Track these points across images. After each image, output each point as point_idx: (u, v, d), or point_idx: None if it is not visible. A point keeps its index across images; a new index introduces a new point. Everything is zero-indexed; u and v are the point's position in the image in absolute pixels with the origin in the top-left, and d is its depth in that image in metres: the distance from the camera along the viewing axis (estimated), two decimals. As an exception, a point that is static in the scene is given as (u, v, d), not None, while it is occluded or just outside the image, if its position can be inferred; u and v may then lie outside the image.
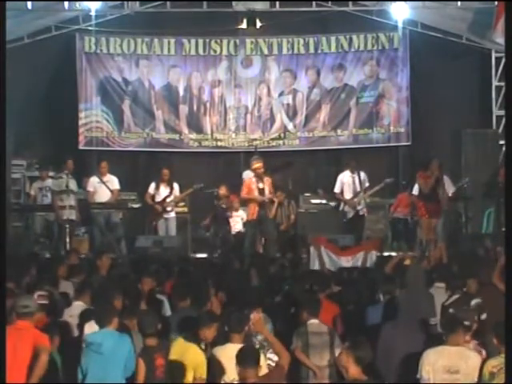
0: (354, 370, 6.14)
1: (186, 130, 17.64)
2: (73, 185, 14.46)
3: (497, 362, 6.48)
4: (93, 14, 16.11)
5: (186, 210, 15.84)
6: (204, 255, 14.55)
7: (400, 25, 16.71)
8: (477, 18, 15.74)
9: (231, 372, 6.72)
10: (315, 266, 12.56)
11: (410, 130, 17.49)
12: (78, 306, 8.50)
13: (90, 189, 15.04)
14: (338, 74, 17.62)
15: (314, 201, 15.89)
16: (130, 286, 9.03)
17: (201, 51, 17.59)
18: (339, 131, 17.62)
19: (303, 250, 13.56)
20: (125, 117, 17.61)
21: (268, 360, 7.02)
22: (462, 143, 15.93)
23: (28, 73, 16.39)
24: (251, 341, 7.24)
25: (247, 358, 6.31)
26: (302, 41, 17.54)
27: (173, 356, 7.08)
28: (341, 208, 14.93)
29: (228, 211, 15.16)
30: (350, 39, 17.51)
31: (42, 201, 15.00)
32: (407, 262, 11.62)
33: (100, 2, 15.98)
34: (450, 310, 7.85)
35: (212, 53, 17.61)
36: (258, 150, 16.87)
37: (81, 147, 17.38)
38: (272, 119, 17.69)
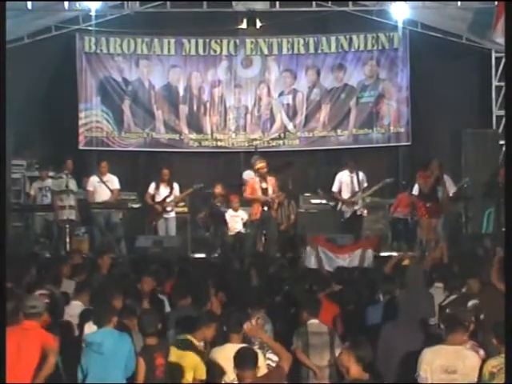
0: (354, 370, 6.14)
1: (186, 130, 17.64)
2: (73, 185, 14.46)
3: (497, 362, 6.48)
4: (93, 13, 16.11)
5: (185, 209, 15.84)
6: (204, 255, 14.54)
7: (400, 25, 16.71)
8: (477, 17, 15.74)
9: (231, 372, 6.72)
10: (311, 264, 12.60)
11: (409, 130, 17.50)
12: (76, 305, 8.51)
13: (90, 188, 15.05)
14: (337, 74, 17.62)
15: (313, 201, 15.90)
16: (130, 286, 9.03)
17: (201, 51, 17.59)
18: (339, 131, 17.63)
19: (303, 249, 13.57)
20: (125, 117, 17.61)
21: (268, 360, 7.01)
22: (462, 143, 15.92)
23: (28, 73, 16.40)
24: (251, 341, 7.24)
25: (245, 360, 6.30)
26: (301, 41, 17.55)
27: (172, 358, 7.08)
28: (338, 207, 14.94)
29: (224, 210, 15.14)
30: (350, 39, 17.51)
31: (42, 201, 15.00)
32: (407, 261, 11.62)
33: (100, 2, 15.98)
34: (448, 310, 7.86)
35: (212, 53, 17.61)
36: (258, 149, 16.88)
37: (81, 147, 17.38)
38: (272, 119, 17.69)
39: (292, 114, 17.68)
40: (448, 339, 6.71)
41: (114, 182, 15.12)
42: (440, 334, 6.98)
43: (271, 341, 7.01)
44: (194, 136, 17.65)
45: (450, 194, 14.32)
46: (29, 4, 15.03)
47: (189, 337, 7.28)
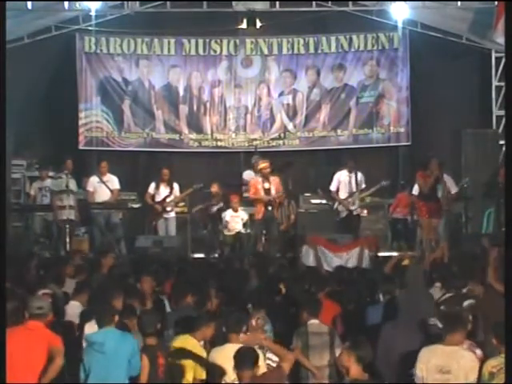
0: (354, 370, 6.14)
1: (186, 130, 17.64)
2: (72, 185, 14.46)
3: (496, 362, 6.47)
4: (93, 13, 16.11)
5: (185, 209, 15.84)
6: (203, 255, 14.55)
7: (400, 25, 16.72)
8: (477, 17, 15.73)
9: (231, 372, 6.72)
10: (308, 263, 12.63)
11: (409, 130, 17.50)
12: (74, 305, 8.50)
13: (90, 189, 15.05)
14: (337, 74, 17.62)
15: (313, 201, 15.91)
16: (130, 286, 9.03)
17: (201, 51, 17.59)
18: (339, 131, 17.63)
19: (302, 249, 13.58)
20: (125, 117, 17.61)
21: (268, 360, 7.01)
22: (462, 143, 15.92)
23: (28, 73, 16.40)
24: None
25: (245, 359, 6.30)
26: (301, 41, 17.55)
27: (172, 358, 7.08)
28: (335, 207, 14.99)
29: (219, 208, 15.14)
30: (350, 39, 17.51)
31: (42, 201, 15.00)
32: (407, 261, 11.63)
33: (100, 2, 15.98)
34: (442, 307, 7.86)
35: (212, 53, 17.62)
36: (258, 149, 16.89)
37: (81, 147, 17.38)
38: (272, 119, 17.69)
39: (292, 113, 17.68)
40: (446, 339, 6.71)
41: (113, 182, 15.12)
42: (439, 334, 6.98)
43: (271, 343, 7.01)
44: (193, 136, 17.65)
45: (452, 193, 14.34)
46: (29, 4, 15.03)
47: (189, 336, 7.28)
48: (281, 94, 17.71)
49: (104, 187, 14.99)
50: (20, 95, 15.59)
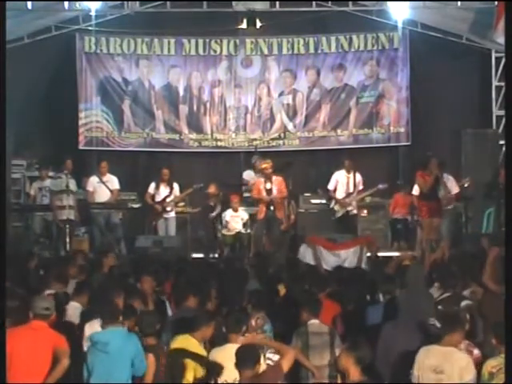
0: (354, 371, 6.14)
1: (186, 130, 17.64)
2: (72, 185, 14.46)
3: (496, 363, 6.48)
4: (93, 13, 16.12)
5: (185, 209, 15.84)
6: (203, 255, 14.55)
7: (400, 25, 16.72)
8: (477, 18, 15.73)
9: (231, 372, 6.72)
10: (305, 261, 12.62)
11: (409, 130, 17.49)
12: (74, 305, 8.50)
13: (90, 189, 15.06)
14: (338, 74, 17.62)
15: (313, 201, 15.92)
16: (130, 286, 9.03)
17: (201, 51, 17.59)
18: (339, 131, 17.63)
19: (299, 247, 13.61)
20: (125, 117, 17.61)
21: (268, 360, 7.01)
22: (462, 143, 15.91)
23: (28, 73, 16.41)
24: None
25: (246, 358, 6.29)
26: (301, 41, 17.54)
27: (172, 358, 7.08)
28: (331, 206, 15.02)
29: (218, 209, 15.14)
30: (350, 39, 17.51)
31: (42, 201, 15.00)
32: (408, 262, 11.62)
33: (100, 2, 15.98)
34: (439, 307, 7.86)
35: (212, 53, 17.62)
36: (258, 149, 16.89)
37: (81, 147, 17.39)
38: (272, 119, 17.69)
39: (292, 113, 17.68)
40: (444, 339, 6.72)
41: (113, 182, 15.12)
42: (439, 334, 6.98)
43: (271, 342, 7.00)
44: (194, 136, 17.65)
45: (453, 193, 14.36)
46: (29, 4, 15.03)
47: (189, 337, 7.28)
48: (281, 94, 17.71)
49: (104, 187, 15.00)
50: (20, 95, 15.60)
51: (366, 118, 17.61)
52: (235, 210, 15.00)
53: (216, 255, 14.49)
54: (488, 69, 17.09)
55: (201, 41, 17.51)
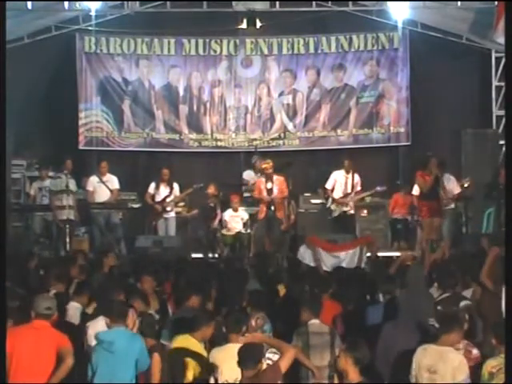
0: (352, 371, 6.15)
1: (186, 130, 17.64)
2: (72, 185, 14.46)
3: (496, 363, 6.48)
4: (93, 13, 16.12)
5: (185, 209, 15.83)
6: (203, 255, 14.55)
7: (400, 25, 16.72)
8: (477, 17, 15.73)
9: (231, 372, 6.72)
10: (304, 261, 12.63)
11: (409, 130, 17.49)
12: (74, 306, 8.50)
13: (90, 188, 15.06)
14: (337, 74, 17.62)
15: (313, 201, 15.92)
16: (131, 286, 9.03)
17: (201, 51, 17.59)
18: (339, 131, 17.62)
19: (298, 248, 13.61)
20: (125, 117, 17.61)
21: (268, 360, 7.00)
22: (461, 143, 15.90)
23: (28, 73, 16.41)
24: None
25: (249, 356, 6.27)
26: (301, 41, 17.54)
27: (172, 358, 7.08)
28: (328, 205, 15.03)
29: (217, 209, 15.14)
30: (350, 39, 17.51)
31: (42, 201, 15.00)
32: (410, 262, 11.62)
33: (100, 2, 15.98)
34: (439, 307, 7.87)
35: (212, 53, 17.61)
36: (258, 149, 16.89)
37: (81, 147, 17.39)
38: (272, 119, 17.69)
39: (292, 114, 17.68)
40: (441, 339, 6.73)
41: (113, 182, 15.12)
42: (437, 334, 6.99)
43: (271, 340, 7.00)
44: (194, 136, 17.65)
45: (455, 194, 14.37)
46: (29, 4, 15.02)
47: (189, 336, 7.28)
48: (281, 94, 17.71)
49: (104, 187, 15.00)
50: (20, 95, 15.60)
51: (366, 117, 17.61)
52: (235, 210, 15.00)
53: (216, 255, 14.48)
54: (488, 69, 17.09)
55: (201, 41, 17.51)
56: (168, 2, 16.61)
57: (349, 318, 8.53)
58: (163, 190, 15.28)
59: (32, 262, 11.20)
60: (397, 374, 7.15)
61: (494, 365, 6.47)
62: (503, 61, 15.59)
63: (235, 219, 14.95)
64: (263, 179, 14.76)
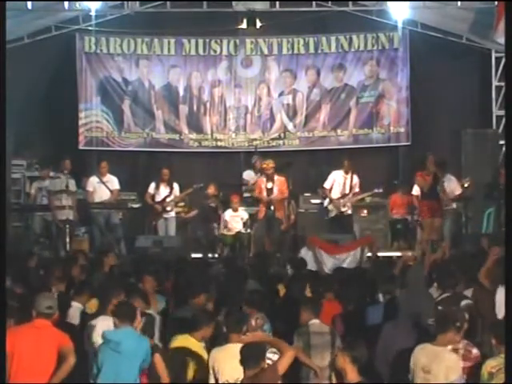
0: (350, 371, 6.15)
1: (186, 130, 17.64)
2: (71, 185, 14.47)
3: (495, 363, 6.48)
4: (93, 13, 16.12)
5: (185, 209, 15.84)
6: (203, 255, 14.55)
7: (400, 25, 16.71)
8: (477, 18, 15.73)
9: (231, 372, 6.72)
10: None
11: (409, 130, 17.49)
12: (74, 306, 8.50)
13: (90, 189, 15.06)
14: (337, 74, 17.62)
15: (313, 201, 15.92)
16: (131, 286, 9.01)
17: (201, 51, 17.59)
18: (339, 131, 17.62)
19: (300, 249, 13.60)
20: (125, 117, 17.61)
21: (268, 360, 7.00)
22: (461, 143, 15.90)
23: (28, 73, 16.41)
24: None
25: (251, 356, 6.27)
26: (301, 41, 17.54)
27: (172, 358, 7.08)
28: (325, 205, 15.04)
29: (218, 210, 15.14)
30: (350, 39, 17.51)
31: (42, 201, 15.00)
32: (412, 262, 11.62)
33: (100, 2, 15.99)
34: (439, 308, 7.87)
35: (212, 53, 17.61)
36: (258, 149, 16.89)
37: (81, 147, 17.39)
38: (272, 119, 17.69)
39: (292, 114, 17.68)
40: (437, 339, 6.74)
41: (113, 182, 15.13)
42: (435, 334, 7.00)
43: (272, 339, 7.00)
44: (194, 136, 17.65)
45: (456, 194, 14.38)
46: (29, 4, 15.03)
47: (189, 336, 7.28)
48: (281, 94, 17.71)
49: (104, 187, 15.01)
50: (20, 95, 15.60)
51: (366, 117, 17.60)
52: (235, 210, 15.01)
53: (216, 255, 14.48)
54: (488, 69, 17.09)
55: (201, 41, 17.51)
56: (168, 2, 16.62)
57: (349, 318, 8.53)
58: (163, 190, 15.29)
59: (32, 261, 11.20)
60: (397, 373, 7.15)
61: (494, 365, 6.47)
62: (503, 61, 15.58)
63: (235, 219, 14.96)
64: (264, 179, 14.78)
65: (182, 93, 17.66)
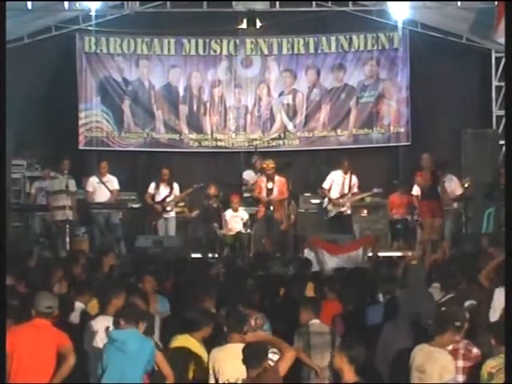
0: (348, 371, 6.15)
1: (186, 130, 17.64)
2: (71, 185, 14.47)
3: (495, 363, 6.47)
4: (93, 13, 16.12)
5: (185, 209, 15.84)
6: (203, 255, 14.55)
7: (400, 25, 16.71)
8: (477, 17, 15.73)
9: (232, 372, 6.72)
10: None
11: (409, 130, 17.49)
12: (76, 305, 8.50)
13: (90, 189, 15.07)
14: (337, 74, 17.62)
15: (313, 201, 15.92)
16: (131, 286, 9.01)
17: (201, 51, 17.59)
18: (339, 131, 17.63)
19: (302, 250, 13.59)
20: (125, 117, 17.61)
21: (268, 360, 7.00)
22: (462, 143, 15.89)
23: (28, 73, 16.41)
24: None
25: (254, 355, 6.26)
26: (301, 41, 17.54)
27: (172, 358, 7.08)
28: (324, 205, 15.04)
29: (219, 210, 15.14)
30: (350, 39, 17.51)
31: (42, 201, 15.01)
32: (415, 262, 11.63)
33: (100, 2, 15.99)
34: (442, 309, 7.88)
35: (212, 53, 17.62)
36: (258, 149, 16.89)
37: (81, 147, 17.39)
38: (272, 119, 17.69)
39: (292, 114, 17.68)
40: (435, 339, 6.75)
41: (113, 182, 15.14)
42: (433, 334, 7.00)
43: (273, 339, 6.99)
44: (194, 136, 17.65)
45: (457, 194, 14.38)
46: (29, 4, 15.03)
47: (188, 336, 7.28)
48: (281, 94, 17.71)
49: (103, 187, 15.02)
50: (20, 95, 15.60)
51: (366, 117, 17.61)
52: (235, 210, 15.01)
53: (216, 255, 14.48)
54: (488, 69, 17.09)
55: (201, 41, 17.51)
56: (168, 2, 16.62)
57: (349, 317, 8.54)
58: (163, 190, 15.29)
59: (32, 261, 11.20)
60: (396, 373, 7.15)
61: (494, 365, 6.46)
62: (503, 61, 15.59)
63: (235, 219, 14.96)
64: (264, 179, 14.79)
65: (182, 93, 17.66)
